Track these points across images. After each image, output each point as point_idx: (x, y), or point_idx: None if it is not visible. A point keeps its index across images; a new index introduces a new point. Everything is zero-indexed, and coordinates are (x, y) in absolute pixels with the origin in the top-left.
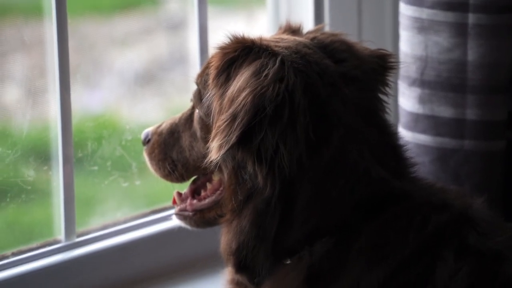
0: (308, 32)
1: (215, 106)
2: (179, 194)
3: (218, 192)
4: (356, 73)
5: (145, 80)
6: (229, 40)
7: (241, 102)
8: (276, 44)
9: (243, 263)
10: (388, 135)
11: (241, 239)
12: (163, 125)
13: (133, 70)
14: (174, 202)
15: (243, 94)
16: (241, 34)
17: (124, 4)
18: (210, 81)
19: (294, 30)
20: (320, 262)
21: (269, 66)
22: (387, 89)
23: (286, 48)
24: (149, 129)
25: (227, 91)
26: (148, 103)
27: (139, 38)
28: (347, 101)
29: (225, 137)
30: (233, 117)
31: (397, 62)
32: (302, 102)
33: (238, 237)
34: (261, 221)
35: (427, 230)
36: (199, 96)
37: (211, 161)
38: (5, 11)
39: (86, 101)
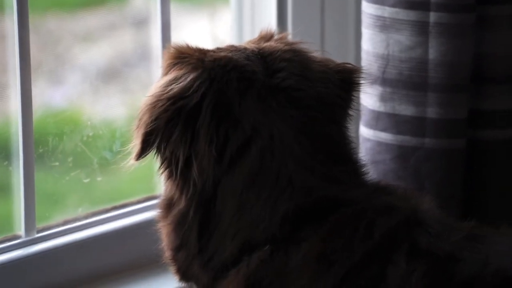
0: (274, 39)
1: None
2: None
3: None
4: (290, 83)
5: (109, 76)
6: (172, 48)
7: (142, 110)
8: (212, 55)
9: (183, 273)
10: (330, 141)
11: (171, 246)
12: None
13: (96, 66)
14: None
15: (147, 101)
16: (183, 44)
17: (88, 0)
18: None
19: (267, 37)
20: (256, 272)
21: (180, 81)
22: (350, 103)
23: (217, 60)
24: None
25: None
26: (111, 99)
27: (103, 34)
28: (272, 112)
29: (134, 144)
30: (138, 123)
31: (364, 77)
32: (207, 119)
33: (169, 243)
34: (180, 232)
35: (374, 235)
36: None
37: (132, 166)
38: None
39: (48, 97)
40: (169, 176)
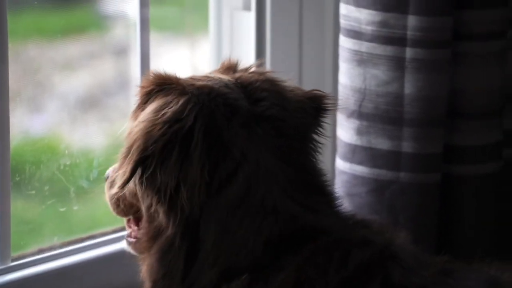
0: (240, 70)
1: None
2: (129, 220)
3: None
4: (272, 112)
5: (88, 104)
6: (151, 75)
7: (133, 137)
8: (193, 83)
9: None
10: (308, 172)
11: (153, 277)
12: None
13: (75, 94)
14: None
15: (137, 129)
16: (162, 72)
17: (68, 28)
18: (130, 116)
19: (230, 67)
20: None
21: (171, 105)
22: (320, 129)
23: (200, 87)
24: (111, 167)
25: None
26: (90, 128)
27: (83, 62)
28: (258, 140)
29: (123, 174)
30: (128, 151)
31: (332, 103)
32: (199, 144)
33: (151, 275)
34: (166, 260)
35: (348, 267)
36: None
37: (115, 194)
38: None
39: (26, 125)
40: (157, 203)
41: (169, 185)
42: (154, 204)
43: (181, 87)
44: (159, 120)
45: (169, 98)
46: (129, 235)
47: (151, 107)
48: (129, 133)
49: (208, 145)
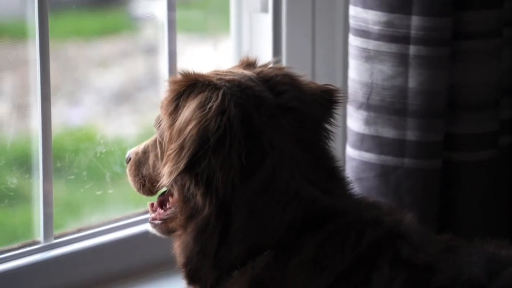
0: (259, 66)
1: (166, 134)
2: (152, 204)
3: (176, 205)
4: (294, 104)
5: (121, 98)
6: (178, 75)
7: (188, 134)
8: (220, 78)
9: (192, 276)
10: (325, 159)
11: (187, 253)
12: (141, 146)
13: (110, 89)
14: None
15: (190, 127)
16: (189, 70)
17: (103, 30)
18: (162, 111)
19: (250, 64)
20: (261, 274)
21: (212, 100)
22: (332, 120)
23: (229, 81)
24: (132, 150)
25: (176, 121)
26: (123, 119)
27: (116, 60)
28: (282, 130)
29: (174, 164)
30: (181, 147)
31: (343, 96)
32: (238, 132)
33: (185, 252)
34: (202, 238)
35: (362, 244)
36: (158, 122)
37: (164, 185)
38: None
39: (66, 117)
40: (194, 186)
41: (210, 171)
42: (192, 187)
43: (213, 82)
44: (209, 115)
45: (207, 93)
46: (154, 219)
47: (193, 105)
48: (179, 131)
49: (244, 133)
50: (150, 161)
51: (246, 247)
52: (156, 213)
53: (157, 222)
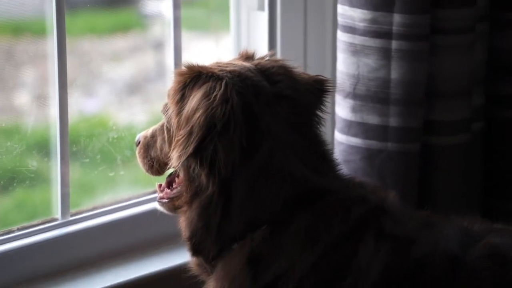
0: (257, 59)
1: (174, 121)
2: (160, 185)
3: (182, 184)
4: (289, 93)
5: (132, 89)
6: (184, 67)
7: (196, 120)
8: (222, 69)
9: (196, 249)
10: (316, 143)
11: (191, 228)
12: (150, 130)
13: (122, 80)
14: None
15: (197, 114)
16: (193, 63)
17: (115, 27)
18: (169, 100)
19: (248, 56)
20: (259, 246)
21: (216, 89)
22: (323, 107)
23: (230, 72)
24: (141, 134)
25: (183, 109)
26: (133, 108)
27: (128, 54)
28: (278, 116)
29: (183, 149)
30: (189, 133)
31: (332, 86)
32: (240, 118)
33: (189, 226)
34: (205, 214)
35: (349, 219)
36: (166, 110)
37: (173, 167)
38: (17, 31)
39: (81, 106)
40: (199, 167)
41: (214, 154)
42: (197, 168)
43: (216, 73)
44: (215, 103)
45: (211, 84)
46: (161, 198)
47: (199, 94)
48: (187, 119)
49: (245, 119)
50: (158, 144)
51: (245, 222)
52: (164, 192)
53: (164, 200)
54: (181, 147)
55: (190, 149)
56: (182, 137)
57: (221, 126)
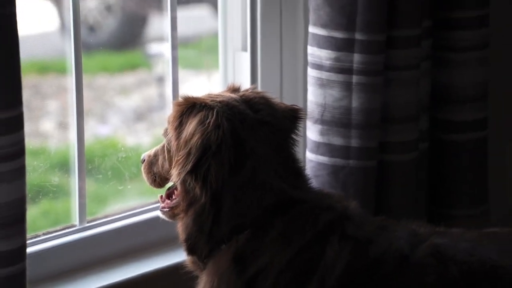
0: (242, 91)
1: (173, 143)
2: (161, 196)
3: (179, 196)
4: (269, 119)
5: (138, 116)
6: (181, 99)
7: (193, 143)
8: (213, 99)
9: (191, 249)
10: (291, 161)
11: (187, 232)
12: (153, 150)
13: (129, 110)
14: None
15: (195, 138)
16: (189, 95)
17: (124, 65)
18: (169, 125)
19: (235, 89)
20: (243, 247)
21: (209, 117)
22: (297, 131)
23: (220, 102)
24: (145, 153)
25: (181, 133)
26: (139, 132)
27: (135, 88)
28: (260, 138)
29: (183, 167)
30: (188, 154)
31: (304, 114)
32: (229, 141)
33: (186, 231)
34: (199, 220)
35: (318, 224)
36: (166, 133)
37: (174, 182)
38: (42, 70)
39: (96, 131)
40: (194, 181)
41: (206, 170)
42: (192, 182)
43: (208, 103)
44: (209, 129)
45: (204, 112)
46: (163, 207)
47: (195, 121)
48: (186, 142)
49: (233, 142)
50: (160, 162)
51: (232, 227)
52: (165, 203)
53: (165, 209)
54: (180, 165)
55: (189, 167)
56: (182, 157)
57: (215, 147)
